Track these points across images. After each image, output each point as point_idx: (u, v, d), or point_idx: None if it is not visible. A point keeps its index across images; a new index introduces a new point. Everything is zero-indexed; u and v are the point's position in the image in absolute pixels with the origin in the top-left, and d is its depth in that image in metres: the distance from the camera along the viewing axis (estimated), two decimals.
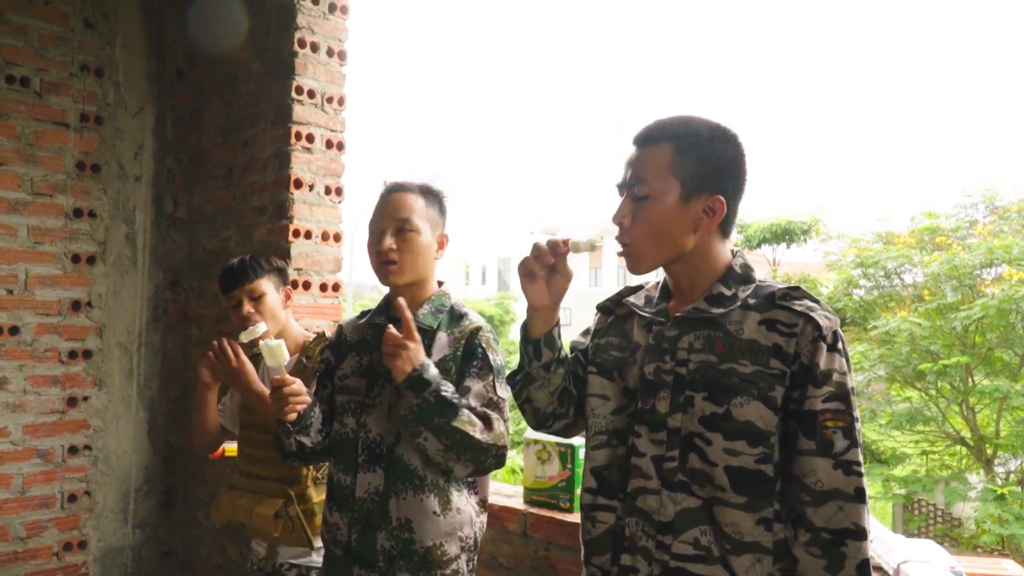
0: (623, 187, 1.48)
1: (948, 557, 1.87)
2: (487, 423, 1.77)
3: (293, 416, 1.88)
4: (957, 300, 9.99)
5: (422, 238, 1.89)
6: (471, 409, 1.77)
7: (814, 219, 16.35)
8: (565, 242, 1.48)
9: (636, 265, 1.47)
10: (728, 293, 1.43)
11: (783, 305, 1.39)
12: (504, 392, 1.83)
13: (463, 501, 1.88)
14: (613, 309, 1.64)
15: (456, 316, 1.92)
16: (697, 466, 1.39)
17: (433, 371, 1.74)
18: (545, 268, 1.50)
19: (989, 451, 9.87)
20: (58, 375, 3.43)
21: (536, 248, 1.50)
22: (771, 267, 18.14)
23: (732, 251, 1.50)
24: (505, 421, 1.81)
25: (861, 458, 1.34)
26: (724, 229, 1.47)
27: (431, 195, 1.96)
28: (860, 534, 1.30)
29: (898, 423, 10.22)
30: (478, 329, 1.88)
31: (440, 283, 2.00)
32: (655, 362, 1.46)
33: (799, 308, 1.37)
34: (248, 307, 2.34)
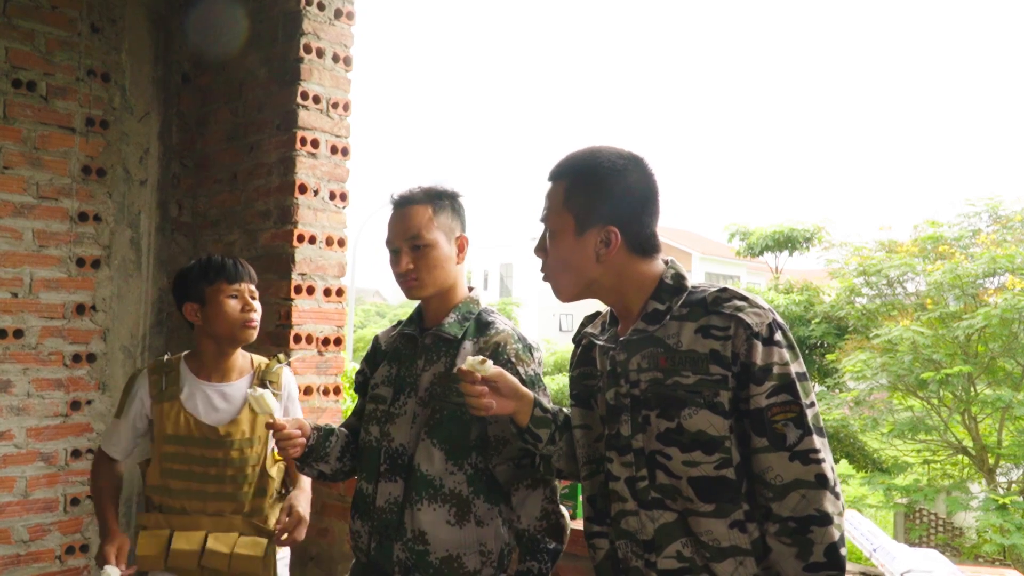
0: (540, 221, 1.57)
1: (952, 567, 1.87)
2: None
3: (296, 453, 1.91)
4: (960, 309, 9.99)
5: (438, 251, 1.85)
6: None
7: (817, 227, 16.36)
8: (461, 371, 1.58)
9: (558, 294, 1.56)
10: (662, 307, 1.46)
11: (715, 310, 1.41)
12: (547, 401, 1.75)
13: (492, 514, 1.81)
14: (581, 340, 1.69)
15: (483, 324, 1.87)
16: (665, 481, 1.42)
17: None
18: (481, 389, 1.58)
19: (991, 461, 9.86)
20: (62, 379, 3.44)
21: (465, 389, 1.59)
22: (773, 274, 18.14)
23: (665, 261, 1.53)
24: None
25: (819, 444, 1.34)
26: (640, 249, 1.50)
27: (440, 200, 1.88)
28: (824, 519, 1.31)
29: (900, 432, 10.22)
30: (504, 343, 1.81)
31: (471, 288, 1.96)
32: (613, 387, 1.50)
33: (728, 310, 1.39)
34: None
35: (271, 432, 1.91)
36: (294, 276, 3.20)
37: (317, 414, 3.27)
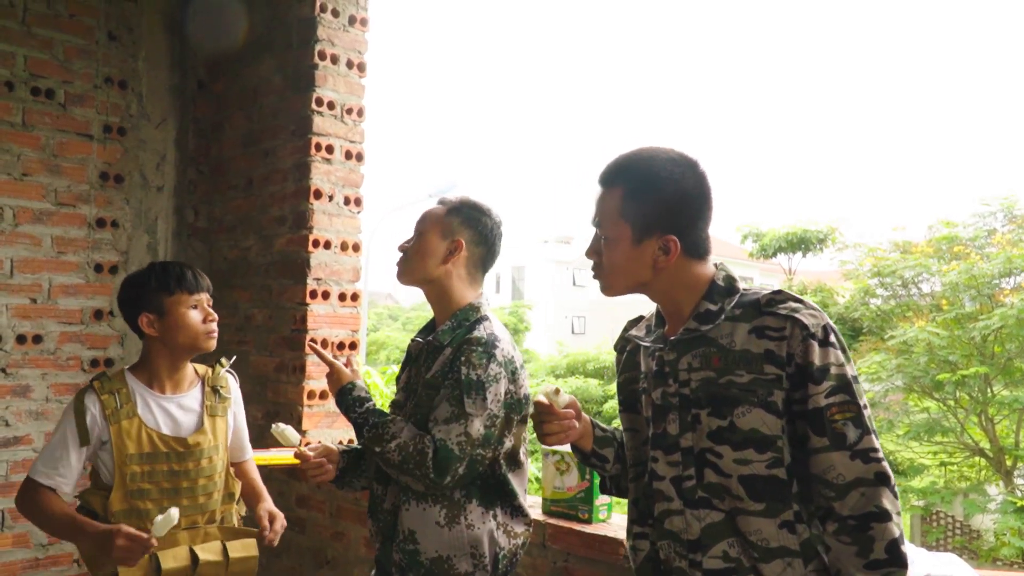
0: (592, 224, 1.58)
1: (970, 571, 1.86)
2: (419, 440, 1.78)
3: (326, 479, 2.00)
4: (975, 310, 9.92)
5: (424, 242, 1.95)
6: (396, 427, 1.83)
7: (830, 228, 16.28)
8: (539, 403, 1.60)
9: (606, 291, 1.57)
10: (714, 308, 1.47)
11: (769, 311, 1.42)
12: (474, 406, 1.78)
13: (483, 518, 1.84)
14: (624, 346, 1.70)
15: (468, 330, 1.90)
16: (714, 480, 1.42)
17: (355, 393, 1.91)
18: (565, 413, 1.60)
19: (1008, 463, 9.78)
20: (80, 384, 3.46)
21: (546, 419, 1.59)
22: (787, 276, 18.07)
23: (715, 264, 1.54)
24: (467, 434, 1.77)
25: (877, 443, 1.36)
26: (696, 253, 1.51)
27: (456, 207, 1.98)
28: (883, 516, 1.32)
29: (916, 434, 10.16)
30: (466, 343, 1.85)
31: (477, 295, 1.99)
32: (660, 387, 1.51)
33: (784, 311, 1.40)
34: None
35: (300, 462, 1.99)
36: (309, 281, 3.23)
37: (332, 418, 3.29)
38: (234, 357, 2.34)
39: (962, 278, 9.91)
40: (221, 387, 2.24)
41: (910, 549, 1.89)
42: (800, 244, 17.03)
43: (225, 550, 2.14)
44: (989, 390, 9.69)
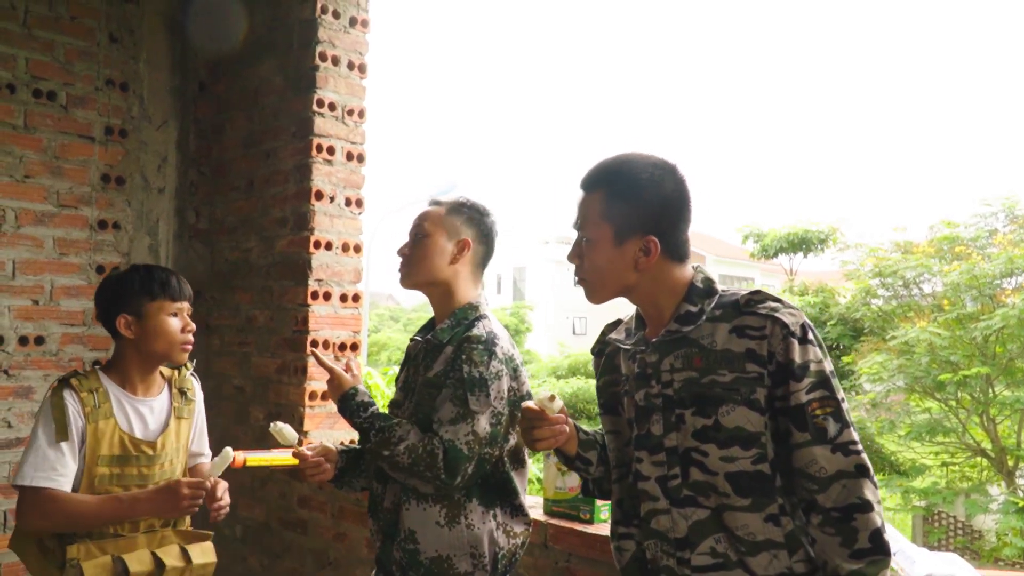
0: (574, 228, 1.61)
1: (972, 571, 1.86)
2: (428, 441, 1.78)
3: (324, 478, 2.01)
4: (977, 310, 9.91)
5: (430, 242, 1.94)
6: (403, 430, 1.82)
7: (831, 228, 16.30)
8: (530, 409, 1.60)
9: (591, 297, 1.60)
10: (695, 309, 1.50)
11: (749, 311, 1.45)
12: (479, 404, 1.79)
13: (483, 517, 1.85)
14: (603, 350, 1.72)
15: (467, 328, 1.91)
16: (700, 478, 1.45)
17: (358, 399, 1.89)
18: (558, 417, 1.60)
19: (1010, 463, 9.77)
20: None
21: (538, 425, 1.59)
22: (788, 276, 18.07)
23: (693, 267, 1.57)
24: (474, 433, 1.78)
25: (856, 436, 1.39)
26: (676, 256, 1.54)
27: (457, 207, 1.99)
28: (866, 506, 1.35)
29: (917, 434, 10.14)
30: (466, 340, 1.85)
31: (476, 295, 2.00)
32: (643, 388, 1.54)
33: (764, 311, 1.44)
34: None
35: (299, 462, 2.00)
36: (311, 282, 3.23)
37: (334, 420, 3.29)
38: (194, 360, 2.34)
39: (963, 278, 9.90)
40: (187, 389, 2.24)
41: (912, 549, 1.90)
42: (801, 244, 17.07)
43: (186, 553, 2.12)
44: (991, 390, 9.68)
